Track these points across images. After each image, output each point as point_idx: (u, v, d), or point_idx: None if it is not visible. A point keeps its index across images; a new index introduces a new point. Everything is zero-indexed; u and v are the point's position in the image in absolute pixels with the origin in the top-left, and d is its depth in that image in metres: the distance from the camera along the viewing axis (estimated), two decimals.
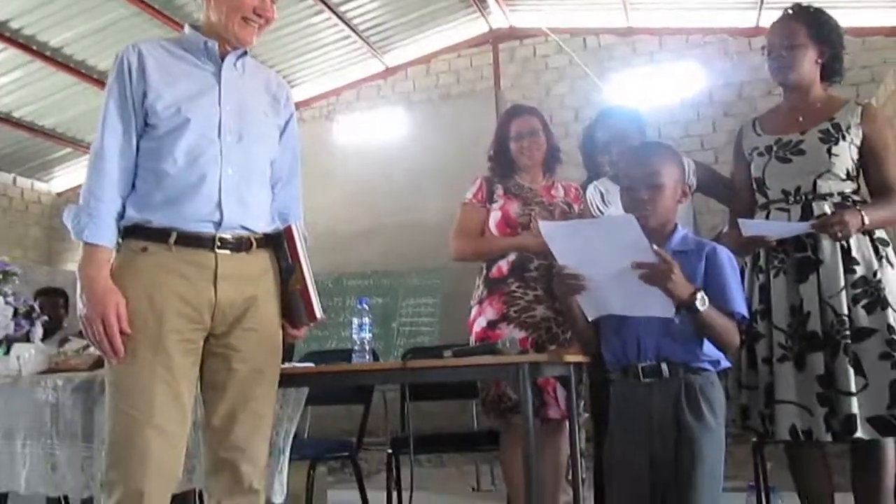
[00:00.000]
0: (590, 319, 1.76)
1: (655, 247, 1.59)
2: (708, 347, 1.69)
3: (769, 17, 2.37)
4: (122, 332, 1.65)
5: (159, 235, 1.72)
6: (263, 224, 1.87)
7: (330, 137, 8.32)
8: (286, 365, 2.35)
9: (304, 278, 1.88)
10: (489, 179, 2.77)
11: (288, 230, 1.91)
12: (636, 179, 1.76)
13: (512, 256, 2.62)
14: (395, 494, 3.02)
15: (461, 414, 4.25)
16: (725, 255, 1.73)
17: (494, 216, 2.69)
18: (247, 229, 1.82)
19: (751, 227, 2.20)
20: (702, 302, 1.60)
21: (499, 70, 8.01)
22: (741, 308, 1.67)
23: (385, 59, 8.34)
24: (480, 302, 2.66)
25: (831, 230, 2.08)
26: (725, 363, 1.74)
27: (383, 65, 8.42)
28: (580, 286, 1.68)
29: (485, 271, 2.69)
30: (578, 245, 1.68)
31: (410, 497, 3.02)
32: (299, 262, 1.89)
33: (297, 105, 8.79)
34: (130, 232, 1.74)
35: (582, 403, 2.67)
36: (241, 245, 1.81)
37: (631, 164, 1.82)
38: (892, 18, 7.06)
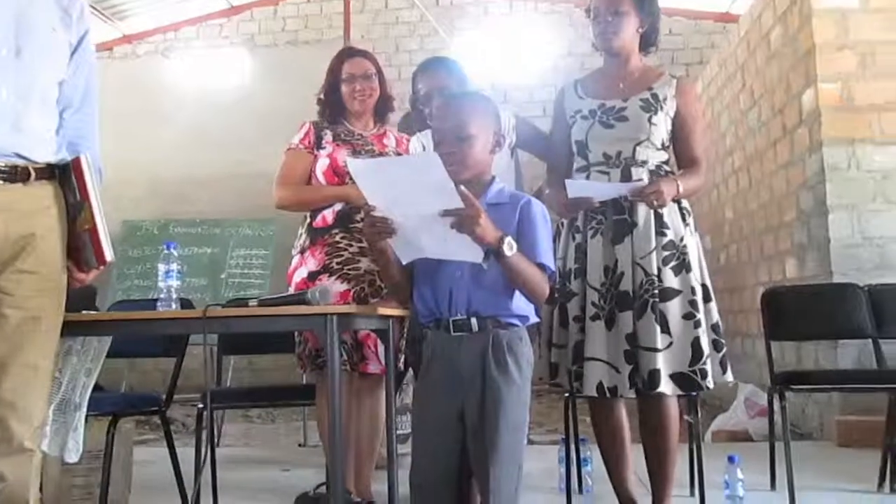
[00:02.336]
0: (403, 263, 1.72)
1: (462, 188, 1.56)
2: (518, 301, 1.69)
3: None
4: None
5: None
6: (46, 153, 1.67)
7: (165, 75, 7.81)
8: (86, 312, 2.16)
9: (93, 217, 1.70)
10: (317, 124, 2.64)
11: (76, 162, 1.71)
12: (445, 132, 1.72)
13: (338, 206, 2.53)
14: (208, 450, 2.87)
15: (295, 369, 4.17)
16: (539, 208, 1.74)
17: (322, 163, 2.57)
18: (23, 157, 1.61)
19: (576, 187, 2.24)
20: (509, 247, 1.59)
21: (349, 20, 7.78)
22: (549, 261, 1.68)
23: None
24: (302, 251, 2.56)
25: (648, 199, 2.16)
26: (534, 318, 1.75)
27: (227, 2, 7.96)
28: (389, 229, 1.63)
29: (308, 220, 2.58)
30: (386, 184, 1.62)
31: (213, 452, 2.88)
32: (88, 198, 1.70)
33: (130, 38, 8.17)
34: None
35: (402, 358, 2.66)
36: (15, 175, 1.60)
37: (440, 116, 1.79)
38: (722, 5, 7.51)
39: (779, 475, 2.90)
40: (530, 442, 4.37)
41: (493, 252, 1.59)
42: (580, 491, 2.96)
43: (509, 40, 7.73)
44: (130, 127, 7.03)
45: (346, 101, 2.62)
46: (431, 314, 1.73)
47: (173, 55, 7.99)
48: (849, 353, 3.90)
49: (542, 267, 1.67)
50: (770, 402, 3.00)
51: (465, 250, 1.60)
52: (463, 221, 1.56)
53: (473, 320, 1.67)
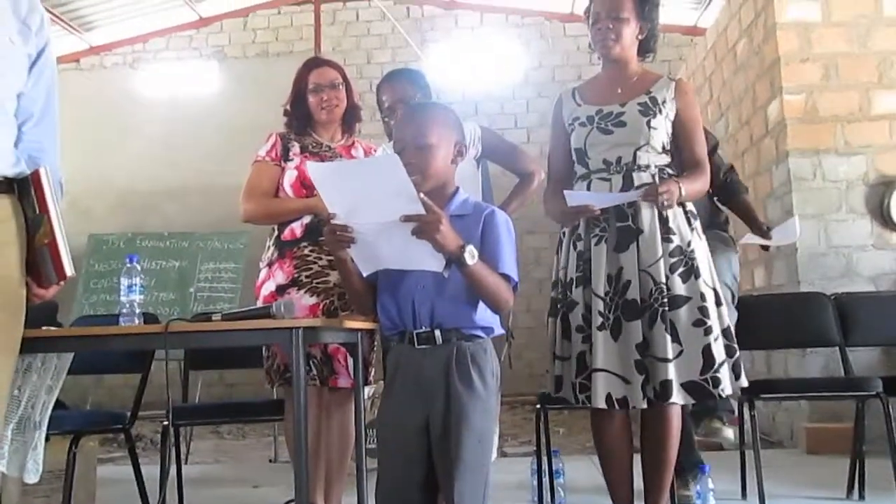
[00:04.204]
0: (364, 275, 1.69)
1: (422, 195, 1.55)
2: (482, 313, 1.68)
3: (582, 4, 2.38)
4: None
5: None
6: (3, 165, 1.62)
7: (133, 87, 7.72)
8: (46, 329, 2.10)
9: (52, 231, 1.65)
10: (284, 136, 2.61)
11: (35, 175, 1.66)
12: (404, 141, 1.70)
13: (307, 219, 2.49)
14: (174, 467, 2.82)
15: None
16: (502, 218, 1.72)
17: (289, 175, 2.54)
18: None
19: (576, 197, 2.20)
20: (471, 256, 1.57)
21: (320, 32, 7.76)
22: (511, 271, 1.67)
23: (198, 9, 7.84)
24: (270, 264, 2.52)
25: (658, 199, 2.11)
26: (499, 330, 1.74)
27: (196, 14, 7.90)
28: (349, 238, 1.61)
29: (276, 232, 2.55)
30: (347, 190, 1.59)
31: (179, 469, 2.84)
32: (48, 211, 1.65)
33: (98, 49, 8.07)
34: None
35: (374, 371, 2.63)
36: None
37: (400, 125, 1.76)
38: (690, 18, 7.62)
39: (749, 484, 2.91)
40: (503, 454, 4.36)
41: (455, 261, 1.58)
42: (552, 503, 2.95)
43: (480, 52, 7.76)
44: (97, 139, 6.94)
45: (314, 111, 2.59)
46: (395, 326, 1.71)
47: (142, 67, 7.91)
48: (817, 361, 3.95)
49: (506, 278, 1.66)
50: (740, 411, 3.02)
51: (425, 259, 1.57)
52: (423, 227, 1.54)
53: (437, 332, 1.65)
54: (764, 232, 3.25)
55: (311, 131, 2.63)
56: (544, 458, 2.83)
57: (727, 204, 3.32)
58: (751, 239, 3.31)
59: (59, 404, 2.35)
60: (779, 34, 4.26)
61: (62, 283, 1.71)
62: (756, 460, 2.66)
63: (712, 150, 2.95)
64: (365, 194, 1.55)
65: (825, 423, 3.84)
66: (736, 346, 2.22)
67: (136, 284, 2.04)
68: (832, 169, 4.16)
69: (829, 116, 4.19)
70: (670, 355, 2.10)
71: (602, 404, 2.13)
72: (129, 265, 2.07)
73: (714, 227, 3.08)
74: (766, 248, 3.63)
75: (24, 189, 1.67)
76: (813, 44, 4.24)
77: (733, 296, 3.03)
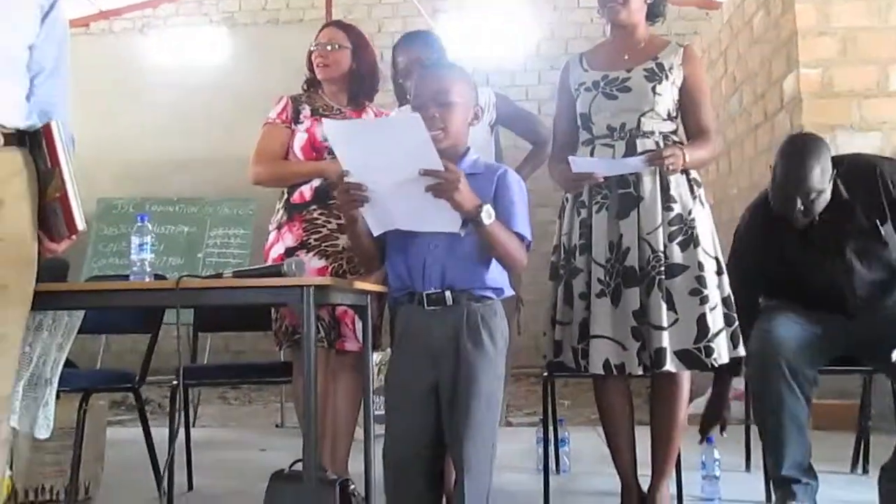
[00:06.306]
0: (375, 234, 1.69)
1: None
2: (493, 274, 1.67)
3: None
4: None
5: None
6: (13, 118, 1.62)
7: (143, 53, 7.67)
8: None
9: (64, 184, 1.65)
10: (296, 98, 2.59)
11: (47, 128, 1.67)
12: (425, 98, 1.69)
13: (316, 182, 2.48)
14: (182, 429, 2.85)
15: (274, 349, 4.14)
16: (515, 178, 1.72)
17: (299, 138, 2.52)
18: None
19: (581, 164, 2.18)
20: (488, 215, 1.57)
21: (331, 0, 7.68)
22: (525, 230, 1.67)
23: None
24: (279, 227, 2.51)
25: (665, 162, 2.10)
26: (509, 291, 1.74)
27: None
28: (363, 197, 1.60)
29: (286, 195, 2.53)
30: (363, 149, 1.58)
31: (188, 430, 2.87)
32: (59, 165, 1.66)
33: (108, 14, 8.01)
34: None
35: (382, 336, 2.63)
36: None
37: (421, 82, 1.74)
38: None
39: (754, 457, 2.92)
40: (508, 424, 4.39)
41: (472, 221, 1.57)
42: (557, 471, 2.97)
43: (492, 23, 7.67)
44: (106, 105, 6.91)
45: (316, 71, 2.58)
46: (404, 287, 1.71)
47: (151, 32, 7.86)
48: None
49: (519, 236, 1.65)
50: (746, 386, 3.02)
51: (441, 219, 1.57)
52: (442, 186, 1.53)
53: (448, 294, 1.65)
54: None
55: (322, 94, 2.61)
56: (550, 428, 2.83)
57: None
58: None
59: (69, 363, 2.37)
60: (797, 7, 4.19)
61: (73, 237, 1.72)
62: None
63: None
64: (382, 153, 1.54)
65: (831, 400, 3.84)
66: (735, 315, 2.22)
67: (146, 243, 2.03)
68: (847, 145, 4.10)
69: (846, 91, 4.13)
70: (665, 323, 2.11)
71: (599, 370, 2.15)
72: (139, 224, 2.06)
73: None
74: None
75: (36, 142, 1.68)
76: (831, 17, 4.17)
77: None
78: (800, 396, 2.27)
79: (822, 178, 2.28)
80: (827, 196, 2.31)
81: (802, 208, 2.30)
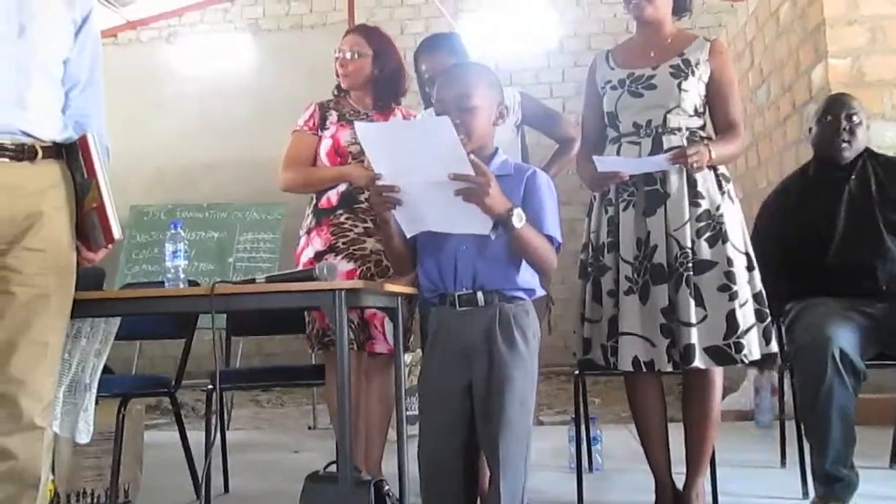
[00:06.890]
0: (408, 236, 1.70)
1: (473, 157, 1.54)
2: (524, 275, 1.68)
3: None
4: None
5: None
6: (52, 131, 1.66)
7: (170, 62, 7.76)
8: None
9: (100, 195, 1.69)
10: (323, 105, 2.62)
11: (83, 140, 1.70)
12: (447, 102, 1.69)
13: (342, 187, 2.51)
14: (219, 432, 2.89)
15: (304, 353, 4.19)
16: (545, 179, 1.72)
17: (325, 144, 2.56)
18: (29, 136, 1.61)
19: (606, 163, 2.18)
20: (518, 218, 1.57)
21: (353, 3, 7.72)
22: (555, 232, 1.66)
23: None
24: (308, 232, 2.55)
25: (689, 160, 2.09)
26: (541, 292, 1.74)
27: None
28: (396, 199, 1.61)
29: (314, 201, 2.57)
30: (394, 150, 1.59)
31: (224, 433, 2.90)
32: (95, 176, 1.69)
33: (134, 24, 8.13)
34: None
35: (412, 337, 2.65)
36: (22, 154, 1.60)
37: (443, 86, 1.74)
38: None
39: (789, 453, 2.89)
40: (539, 423, 4.38)
41: (502, 224, 1.57)
42: (590, 469, 2.96)
43: (514, 21, 7.66)
44: (135, 114, 7.00)
45: (340, 77, 2.62)
46: (436, 288, 1.72)
47: (177, 41, 7.96)
48: None
49: (549, 238, 1.65)
50: (780, 382, 2.99)
51: (472, 222, 1.57)
52: (473, 190, 1.53)
53: (479, 294, 1.66)
54: None
55: (350, 99, 2.64)
56: (582, 426, 2.83)
57: None
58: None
59: (106, 370, 2.42)
60: None
61: (110, 246, 1.76)
62: (797, 430, 2.63)
63: None
64: (412, 155, 1.55)
65: (867, 394, 3.78)
66: (768, 310, 2.20)
67: (180, 250, 2.08)
68: (879, 135, 4.03)
69: (876, 81, 4.07)
70: (694, 320, 2.10)
71: (629, 366, 2.14)
72: (173, 231, 2.10)
73: None
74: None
75: (72, 154, 1.71)
76: (860, 6, 4.10)
77: None
78: (850, 390, 2.24)
79: (861, 110, 2.47)
80: (865, 138, 2.43)
81: (847, 127, 2.42)
